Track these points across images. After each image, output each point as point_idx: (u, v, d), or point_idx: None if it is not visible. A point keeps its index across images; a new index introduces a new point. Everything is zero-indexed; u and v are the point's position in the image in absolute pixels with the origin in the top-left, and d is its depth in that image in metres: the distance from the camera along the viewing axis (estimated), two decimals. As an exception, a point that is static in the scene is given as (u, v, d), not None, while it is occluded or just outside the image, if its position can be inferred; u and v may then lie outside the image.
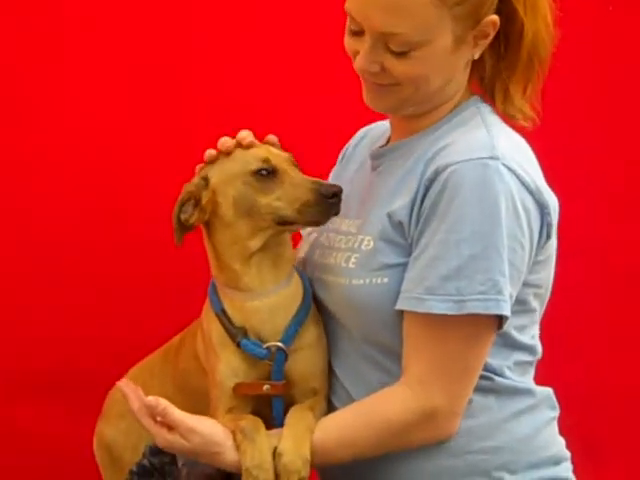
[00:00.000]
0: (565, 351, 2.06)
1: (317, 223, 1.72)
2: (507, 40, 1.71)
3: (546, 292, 1.75)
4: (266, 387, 1.71)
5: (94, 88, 2.50)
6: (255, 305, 1.73)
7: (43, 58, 2.49)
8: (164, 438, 1.63)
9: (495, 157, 1.60)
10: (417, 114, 1.74)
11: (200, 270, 1.85)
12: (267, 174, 1.69)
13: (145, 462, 1.76)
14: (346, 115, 2.03)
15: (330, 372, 1.77)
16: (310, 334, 1.74)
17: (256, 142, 1.76)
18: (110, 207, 2.51)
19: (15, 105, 2.50)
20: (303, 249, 1.87)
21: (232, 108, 2.48)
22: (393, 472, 1.70)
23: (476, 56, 1.69)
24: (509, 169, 1.60)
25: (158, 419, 1.63)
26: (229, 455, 1.63)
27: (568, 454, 1.77)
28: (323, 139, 2.34)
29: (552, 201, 1.68)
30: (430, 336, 1.61)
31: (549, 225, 1.66)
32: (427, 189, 1.63)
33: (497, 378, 1.69)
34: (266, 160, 1.70)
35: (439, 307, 1.59)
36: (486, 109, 1.73)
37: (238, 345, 1.71)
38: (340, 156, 2.00)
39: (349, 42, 1.70)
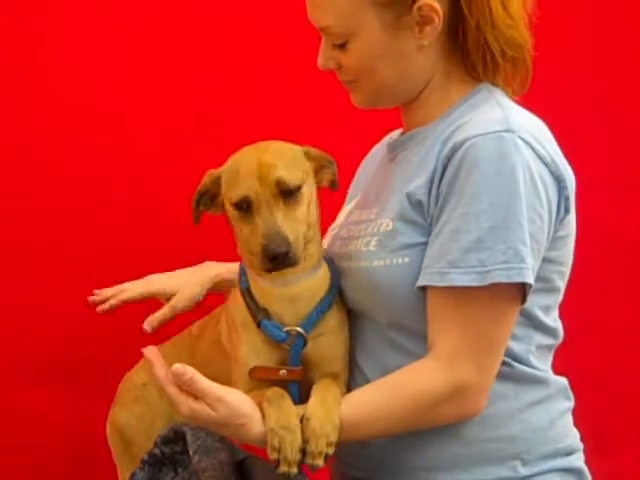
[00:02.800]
0: (577, 342, 2.04)
1: (267, 272, 1.68)
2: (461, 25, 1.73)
3: (567, 271, 1.75)
4: (282, 372, 1.70)
5: (95, 86, 2.50)
6: (275, 292, 1.72)
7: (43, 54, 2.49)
8: (189, 407, 1.59)
9: (511, 130, 1.61)
10: (412, 106, 1.77)
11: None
12: (243, 208, 1.67)
13: (156, 451, 1.76)
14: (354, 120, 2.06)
15: (351, 361, 1.76)
16: (333, 320, 1.74)
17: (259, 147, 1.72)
18: (122, 196, 2.51)
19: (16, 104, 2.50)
20: (325, 243, 1.87)
21: (236, 108, 2.50)
22: (407, 460, 1.70)
23: (425, 42, 1.71)
24: (525, 142, 1.61)
25: (184, 388, 1.59)
26: (255, 427, 1.59)
27: (581, 445, 1.76)
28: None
29: (568, 175, 1.68)
30: (456, 310, 1.61)
31: (567, 199, 1.67)
32: (445, 166, 1.64)
33: (517, 365, 1.68)
34: (244, 198, 1.66)
35: (462, 279, 1.59)
36: (498, 92, 1.75)
37: (258, 325, 1.71)
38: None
39: None
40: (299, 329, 1.70)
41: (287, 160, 1.69)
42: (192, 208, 1.74)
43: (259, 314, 1.72)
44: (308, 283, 1.73)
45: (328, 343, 1.73)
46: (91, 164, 2.49)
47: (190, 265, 2.09)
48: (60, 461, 2.49)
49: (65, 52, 2.48)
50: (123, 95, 2.50)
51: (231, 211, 1.70)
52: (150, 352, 1.65)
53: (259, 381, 1.69)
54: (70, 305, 2.47)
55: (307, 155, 1.73)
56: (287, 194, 1.66)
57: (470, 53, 1.74)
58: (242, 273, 1.78)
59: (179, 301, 2.02)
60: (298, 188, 1.67)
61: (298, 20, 1.83)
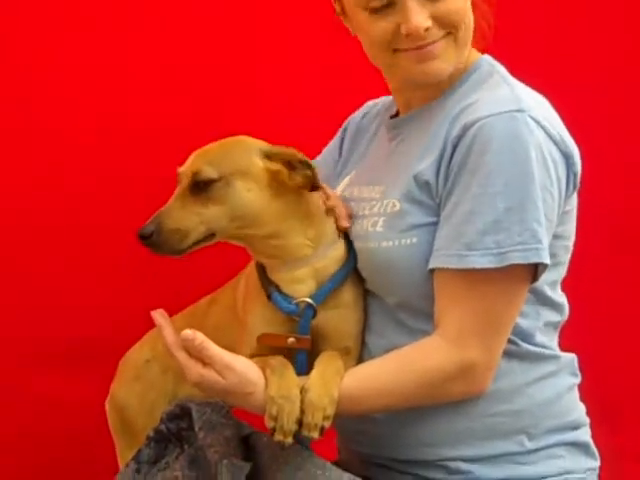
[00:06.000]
0: (584, 319, 2.05)
1: None
2: None
3: (571, 245, 1.75)
4: (291, 340, 1.69)
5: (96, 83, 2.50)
6: (280, 274, 1.72)
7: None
8: (198, 373, 1.59)
9: (522, 110, 1.61)
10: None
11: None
12: None
13: (162, 427, 1.75)
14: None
15: None
16: (348, 294, 1.73)
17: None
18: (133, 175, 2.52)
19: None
20: None
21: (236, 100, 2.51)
22: (411, 435, 1.70)
23: None
24: (535, 121, 1.61)
25: (193, 353, 1.59)
26: (261, 395, 1.59)
27: (587, 420, 1.77)
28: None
29: (576, 152, 1.69)
30: (468, 291, 1.61)
31: (575, 175, 1.68)
32: (455, 146, 1.63)
33: (523, 344, 1.69)
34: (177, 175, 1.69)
35: (480, 261, 1.58)
36: (500, 67, 1.75)
37: (269, 298, 1.70)
38: (342, 129, 2.00)
39: (380, 26, 1.67)
40: (309, 300, 1.69)
41: (223, 154, 1.67)
42: None
43: (270, 287, 1.71)
44: (319, 263, 1.71)
45: (342, 317, 1.72)
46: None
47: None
48: (61, 441, 2.49)
49: (68, 50, 2.49)
50: (124, 91, 2.50)
51: None
52: (159, 315, 1.63)
53: (265, 349, 1.69)
54: (74, 288, 2.48)
55: (266, 155, 1.68)
56: (197, 187, 1.64)
57: (479, 21, 1.74)
58: None
59: None
60: (210, 182, 1.64)
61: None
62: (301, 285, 1.71)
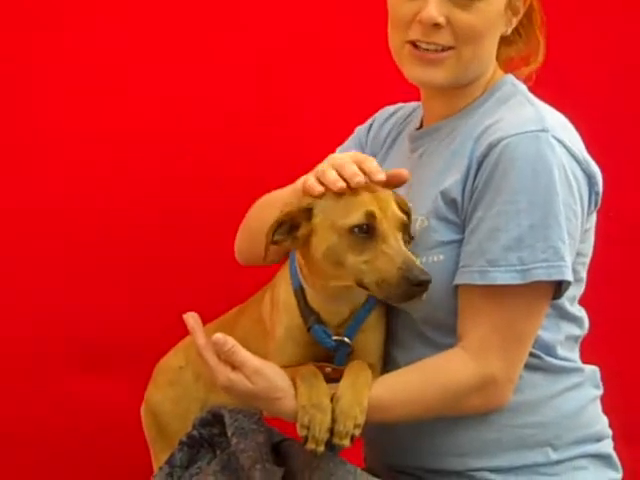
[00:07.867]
0: (604, 333, 2.07)
1: (392, 302, 1.65)
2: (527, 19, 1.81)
3: (588, 261, 1.79)
4: (328, 370, 1.71)
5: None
6: (326, 307, 1.73)
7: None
8: (227, 377, 1.62)
9: (545, 130, 1.65)
10: (455, 91, 1.78)
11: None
12: (365, 232, 1.61)
13: (194, 433, 1.79)
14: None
15: (384, 352, 1.78)
16: (373, 317, 1.75)
17: (369, 185, 1.64)
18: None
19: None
20: None
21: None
22: (438, 445, 1.73)
23: (509, 31, 1.77)
24: (559, 141, 1.66)
25: (223, 358, 1.62)
26: (289, 401, 1.62)
27: (610, 432, 1.80)
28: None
29: (597, 172, 1.73)
30: (490, 305, 1.65)
31: (597, 194, 1.72)
32: (480, 164, 1.67)
33: (546, 357, 1.72)
34: (370, 216, 1.61)
35: (503, 277, 1.62)
36: (522, 87, 1.79)
37: (309, 329, 1.72)
38: (365, 129, 2.01)
39: (405, 7, 1.73)
40: (347, 340, 1.72)
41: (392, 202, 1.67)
42: (265, 242, 1.66)
43: (310, 317, 1.72)
44: (357, 295, 1.72)
45: (367, 339, 1.75)
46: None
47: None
48: (92, 443, 2.51)
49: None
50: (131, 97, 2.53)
51: (334, 238, 1.63)
52: (191, 318, 1.67)
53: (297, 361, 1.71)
54: (107, 291, 2.51)
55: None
56: (404, 227, 1.65)
57: (519, 44, 1.81)
58: (294, 267, 1.76)
59: None
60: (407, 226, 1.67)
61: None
62: (340, 312, 1.73)
